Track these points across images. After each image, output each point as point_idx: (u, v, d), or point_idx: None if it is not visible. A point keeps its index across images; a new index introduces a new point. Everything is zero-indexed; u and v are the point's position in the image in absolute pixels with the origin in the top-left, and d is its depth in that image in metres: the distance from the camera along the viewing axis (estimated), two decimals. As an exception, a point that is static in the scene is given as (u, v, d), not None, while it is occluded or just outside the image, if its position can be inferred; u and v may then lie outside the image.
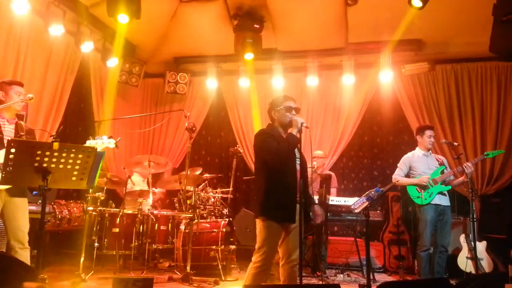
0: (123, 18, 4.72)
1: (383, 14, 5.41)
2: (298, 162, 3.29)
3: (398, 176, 4.86)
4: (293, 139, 3.15)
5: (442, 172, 4.72)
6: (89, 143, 3.45)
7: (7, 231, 3.38)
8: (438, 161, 4.83)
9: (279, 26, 5.76)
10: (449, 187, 4.72)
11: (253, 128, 6.91)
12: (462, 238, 5.34)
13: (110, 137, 3.55)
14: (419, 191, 4.70)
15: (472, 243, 4.39)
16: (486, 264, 5.14)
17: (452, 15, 5.27)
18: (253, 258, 3.14)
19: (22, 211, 3.42)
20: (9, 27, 4.98)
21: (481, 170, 6.06)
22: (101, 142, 3.48)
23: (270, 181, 3.18)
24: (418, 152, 4.92)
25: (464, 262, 5.12)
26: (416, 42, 6.01)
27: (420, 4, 4.50)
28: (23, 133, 3.53)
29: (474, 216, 4.43)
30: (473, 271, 4.83)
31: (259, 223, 3.17)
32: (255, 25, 5.51)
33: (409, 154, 4.99)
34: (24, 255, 3.32)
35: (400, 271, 5.81)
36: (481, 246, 5.21)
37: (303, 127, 3.19)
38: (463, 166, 4.53)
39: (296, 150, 3.27)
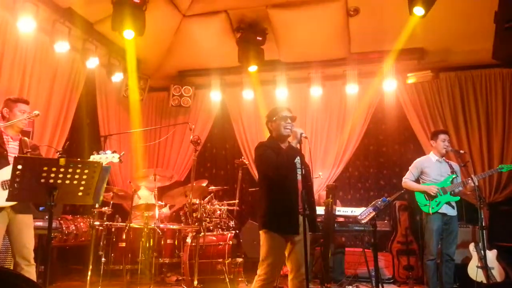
0: (129, 34, 4.77)
1: (385, 23, 5.43)
2: (299, 172, 3.28)
3: (407, 180, 4.80)
4: (292, 151, 3.15)
5: (452, 181, 4.63)
6: (93, 158, 3.46)
7: (12, 248, 3.37)
8: (450, 168, 4.71)
9: (282, 38, 5.79)
10: (458, 198, 4.65)
11: (258, 139, 6.91)
12: (471, 247, 5.26)
13: (114, 152, 3.57)
14: (427, 199, 4.64)
15: (482, 251, 4.33)
16: (497, 273, 5.04)
17: (454, 23, 5.28)
18: (258, 271, 3.14)
19: (27, 228, 3.41)
20: (15, 45, 5.05)
21: (488, 177, 5.96)
22: (105, 157, 3.50)
23: (271, 193, 3.19)
24: (432, 157, 4.82)
25: (474, 272, 5.03)
26: (419, 51, 6.02)
27: (422, 12, 4.48)
28: (27, 150, 3.51)
29: (483, 224, 4.35)
30: (484, 281, 4.76)
31: (262, 235, 3.18)
32: (257, 38, 5.56)
33: (422, 158, 4.92)
34: (30, 271, 3.31)
35: (409, 281, 5.71)
36: (491, 255, 5.12)
37: (302, 137, 3.19)
38: (472, 177, 4.40)
39: (297, 160, 3.28)
